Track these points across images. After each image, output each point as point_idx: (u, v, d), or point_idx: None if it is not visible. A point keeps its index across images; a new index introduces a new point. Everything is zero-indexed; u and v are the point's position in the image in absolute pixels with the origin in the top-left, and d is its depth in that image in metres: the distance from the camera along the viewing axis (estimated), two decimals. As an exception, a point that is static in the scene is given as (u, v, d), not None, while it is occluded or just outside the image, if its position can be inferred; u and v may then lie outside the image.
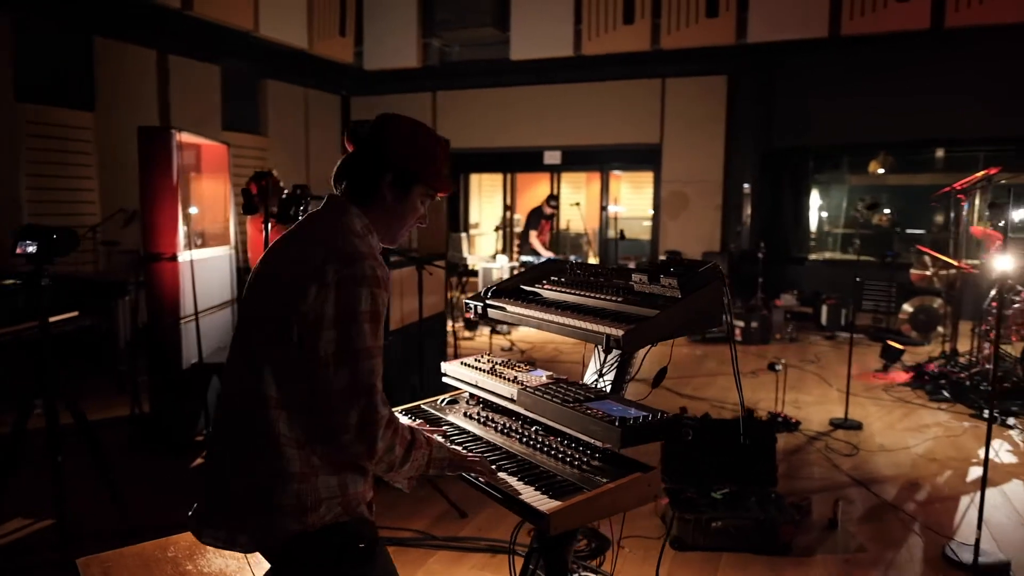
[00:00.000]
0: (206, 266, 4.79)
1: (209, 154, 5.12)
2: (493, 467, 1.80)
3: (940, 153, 11.60)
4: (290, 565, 1.54)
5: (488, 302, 2.28)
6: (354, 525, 1.59)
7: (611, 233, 11.74)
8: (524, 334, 8.13)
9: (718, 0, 9.27)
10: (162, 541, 1.96)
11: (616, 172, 12.40)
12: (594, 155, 11.66)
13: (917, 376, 6.37)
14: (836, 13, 8.80)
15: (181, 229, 4.38)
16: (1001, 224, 5.93)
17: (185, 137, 4.49)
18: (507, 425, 2.07)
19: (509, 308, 2.23)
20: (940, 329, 7.97)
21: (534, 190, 13.88)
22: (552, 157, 11.79)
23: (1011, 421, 5.07)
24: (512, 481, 1.74)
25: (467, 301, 2.34)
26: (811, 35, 8.97)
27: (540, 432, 2.01)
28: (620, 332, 1.80)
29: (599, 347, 2.26)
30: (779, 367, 4.95)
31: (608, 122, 11.06)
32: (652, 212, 11.25)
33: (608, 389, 2.14)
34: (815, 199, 11.44)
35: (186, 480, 4.03)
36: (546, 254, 9.04)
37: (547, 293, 2.26)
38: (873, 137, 10.24)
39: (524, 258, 8.95)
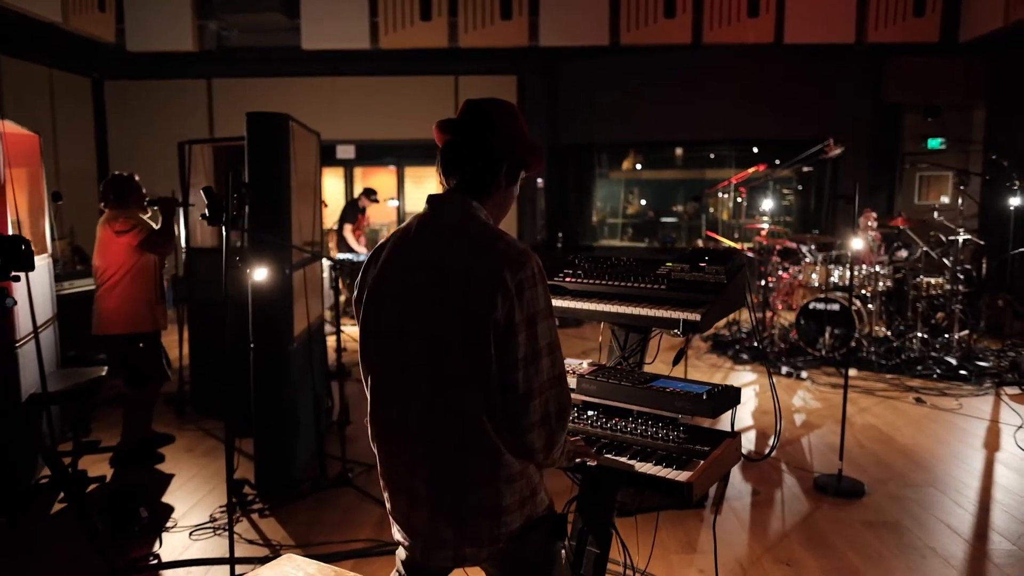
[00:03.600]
0: (31, 279, 4.05)
1: (16, 145, 4.32)
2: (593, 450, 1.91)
3: (679, 152, 13.43)
4: (510, 560, 1.59)
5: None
6: (556, 514, 1.70)
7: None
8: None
9: (511, 3, 9.78)
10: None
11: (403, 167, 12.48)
12: (390, 150, 11.61)
13: (715, 344, 7.40)
14: (616, 24, 9.77)
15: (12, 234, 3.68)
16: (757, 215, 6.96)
17: (8, 126, 3.78)
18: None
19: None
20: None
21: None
22: (346, 151, 11.51)
23: (804, 374, 6.15)
24: (625, 460, 1.86)
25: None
26: (595, 42, 9.85)
27: (601, 416, 2.14)
28: (697, 317, 1.99)
29: (615, 332, 2.44)
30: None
31: (404, 117, 11.07)
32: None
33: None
34: (594, 192, 12.58)
35: (38, 534, 3.43)
36: (361, 250, 8.83)
37: (574, 285, 2.37)
38: (644, 136, 11.52)
39: (340, 255, 8.65)
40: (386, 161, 12.23)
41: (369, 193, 9.06)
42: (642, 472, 1.80)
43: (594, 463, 1.86)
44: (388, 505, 1.66)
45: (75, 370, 4.45)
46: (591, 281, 2.36)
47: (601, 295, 2.28)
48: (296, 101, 10.99)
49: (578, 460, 1.85)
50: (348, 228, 8.78)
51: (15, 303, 2.06)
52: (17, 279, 2.02)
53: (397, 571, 1.85)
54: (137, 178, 4.22)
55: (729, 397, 2.00)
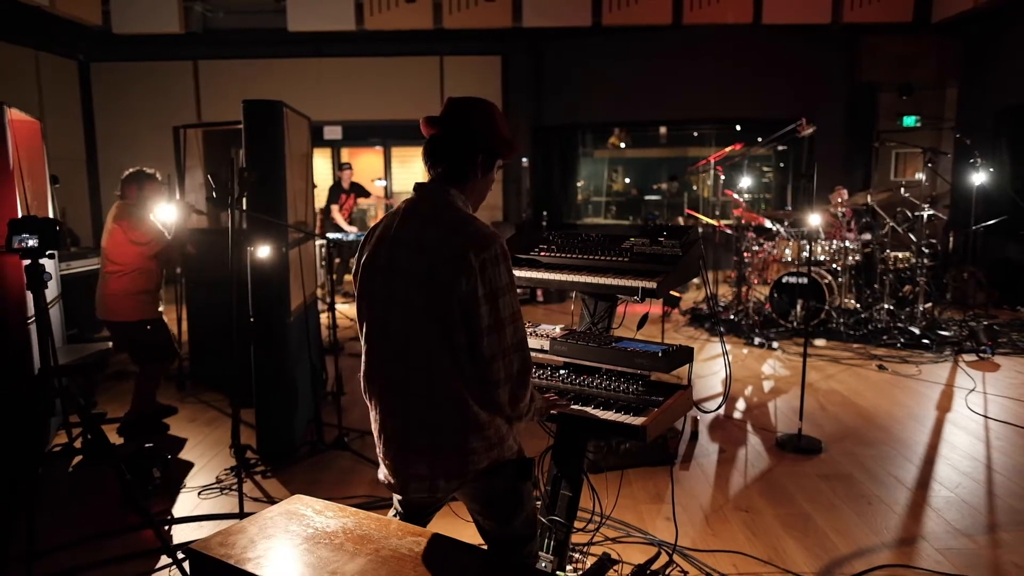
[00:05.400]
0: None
1: (20, 132, 4.50)
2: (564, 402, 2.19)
3: (663, 131, 13.65)
4: (482, 495, 1.88)
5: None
6: (524, 458, 1.95)
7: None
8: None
9: (495, -16, 9.92)
10: (256, 516, 2.01)
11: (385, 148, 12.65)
12: (376, 130, 11.77)
13: (693, 318, 7.71)
14: (598, 4, 9.94)
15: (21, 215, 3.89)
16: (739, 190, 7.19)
17: (15, 114, 3.97)
18: (538, 373, 2.43)
19: (521, 274, 2.57)
20: (695, 279, 9.58)
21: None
22: (332, 132, 11.67)
23: (775, 344, 6.47)
24: (589, 410, 2.14)
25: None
26: (577, 23, 10.02)
27: (571, 373, 2.41)
28: (654, 285, 2.26)
29: (586, 301, 2.71)
30: (611, 317, 5.76)
31: (390, 98, 11.23)
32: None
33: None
34: (578, 171, 12.81)
35: (57, 493, 3.68)
36: (350, 229, 9.06)
37: (548, 259, 2.64)
38: (625, 116, 11.74)
39: (331, 235, 8.86)
40: (373, 141, 12.39)
41: (343, 167, 9.38)
42: (602, 418, 2.08)
43: (555, 411, 2.14)
44: (377, 448, 1.93)
45: (80, 346, 4.69)
46: (563, 255, 2.62)
47: (571, 267, 2.55)
48: (282, 82, 11.12)
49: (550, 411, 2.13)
50: (335, 208, 9.02)
51: (51, 277, 2.29)
52: (52, 257, 2.24)
53: (395, 508, 2.13)
54: (159, 177, 4.42)
55: (683, 355, 2.28)
